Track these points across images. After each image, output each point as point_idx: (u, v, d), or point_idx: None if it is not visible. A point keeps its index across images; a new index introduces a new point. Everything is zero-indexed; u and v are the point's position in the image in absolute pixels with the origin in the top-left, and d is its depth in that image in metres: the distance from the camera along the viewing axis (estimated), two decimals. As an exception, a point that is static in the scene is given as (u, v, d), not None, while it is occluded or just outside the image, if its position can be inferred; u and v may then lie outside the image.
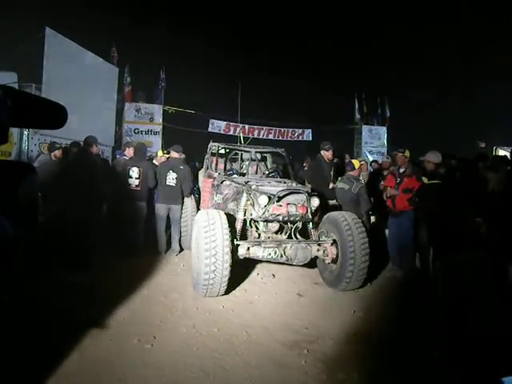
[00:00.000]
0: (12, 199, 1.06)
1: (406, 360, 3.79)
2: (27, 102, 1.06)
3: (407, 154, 6.65)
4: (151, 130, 16.06)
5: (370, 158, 16.77)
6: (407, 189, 6.27)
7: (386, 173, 8.23)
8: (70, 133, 9.12)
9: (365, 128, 19.25)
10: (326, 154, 7.43)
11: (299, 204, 5.70)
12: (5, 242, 1.01)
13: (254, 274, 6.41)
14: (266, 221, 5.78)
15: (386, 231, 7.19)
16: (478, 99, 20.13)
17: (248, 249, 5.42)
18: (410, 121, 20.36)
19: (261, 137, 17.79)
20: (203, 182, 7.65)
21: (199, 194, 8.03)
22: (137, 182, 7.03)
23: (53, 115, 1.14)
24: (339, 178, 7.06)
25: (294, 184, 6.39)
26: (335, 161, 7.84)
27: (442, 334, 3.95)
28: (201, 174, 8.26)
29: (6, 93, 0.94)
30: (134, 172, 7.03)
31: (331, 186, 7.15)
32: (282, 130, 18.51)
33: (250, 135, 16.78)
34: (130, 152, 7.77)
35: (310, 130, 18.69)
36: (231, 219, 5.57)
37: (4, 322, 3.73)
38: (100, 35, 15.09)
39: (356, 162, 6.76)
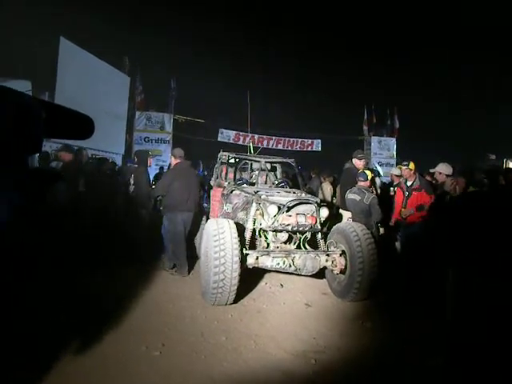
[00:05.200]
0: (40, 203, 1.10)
1: (414, 373, 3.77)
2: (59, 113, 1.10)
3: (412, 166, 6.61)
4: (161, 139, 16.20)
5: (379, 169, 16.75)
6: (419, 206, 6.26)
7: (395, 183, 8.23)
8: (82, 141, 9.24)
9: (374, 139, 19.28)
10: (358, 163, 7.33)
11: (308, 214, 5.73)
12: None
13: (262, 283, 6.41)
14: (275, 231, 5.80)
15: (396, 243, 7.18)
16: (489, 111, 20.09)
17: (257, 258, 5.43)
18: (419, 132, 20.35)
19: (270, 147, 17.87)
20: (213, 191, 7.69)
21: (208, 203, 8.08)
22: (132, 188, 7.16)
23: (81, 127, 1.18)
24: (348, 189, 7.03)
25: (303, 194, 6.39)
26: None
27: (449, 348, 3.91)
28: (210, 183, 8.30)
29: (40, 105, 0.98)
30: (131, 179, 7.20)
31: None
32: (292, 140, 18.58)
33: (260, 145, 16.85)
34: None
35: (319, 141, 18.75)
36: (240, 228, 5.59)
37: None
38: (112, 45, 15.31)
39: (369, 173, 6.72)
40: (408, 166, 6.60)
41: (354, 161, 7.38)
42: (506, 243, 3.71)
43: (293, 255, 5.52)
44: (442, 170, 6.44)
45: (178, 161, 6.96)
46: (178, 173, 6.81)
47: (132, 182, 7.19)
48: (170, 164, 9.23)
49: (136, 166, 7.85)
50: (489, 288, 3.61)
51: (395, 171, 9.02)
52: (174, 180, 6.66)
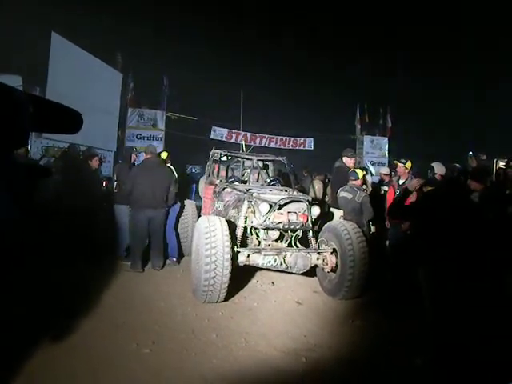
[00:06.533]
0: (28, 199, 1.09)
1: (403, 372, 3.78)
2: (46, 107, 1.09)
3: (408, 165, 6.63)
4: (153, 136, 16.14)
5: (372, 168, 16.83)
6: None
7: (386, 181, 8.29)
8: (73, 137, 9.19)
9: (366, 138, 19.35)
10: (349, 162, 7.32)
11: (300, 212, 5.72)
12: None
13: (253, 281, 6.42)
14: (267, 228, 5.80)
15: (387, 242, 7.19)
16: (479, 111, 20.22)
17: (248, 256, 5.43)
18: (411, 132, 20.46)
19: (262, 145, 17.86)
20: (205, 188, 7.68)
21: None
22: (115, 184, 7.16)
23: (70, 121, 1.18)
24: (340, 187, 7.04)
25: (295, 192, 6.39)
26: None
27: (429, 344, 3.94)
28: (202, 180, 8.29)
29: (28, 98, 0.98)
30: (115, 175, 7.24)
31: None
32: (284, 138, 18.60)
33: (252, 143, 16.85)
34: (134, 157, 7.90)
35: (311, 139, 18.79)
36: (232, 226, 5.59)
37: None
38: (105, 41, 15.23)
39: (360, 172, 6.73)
40: (405, 164, 6.63)
41: (345, 159, 7.39)
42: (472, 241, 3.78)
43: (284, 253, 5.52)
44: (436, 169, 6.47)
45: (148, 156, 6.95)
46: (142, 168, 6.81)
47: (115, 178, 7.19)
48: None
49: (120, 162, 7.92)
50: (465, 286, 3.65)
51: (384, 170, 9.11)
52: (137, 175, 6.65)
